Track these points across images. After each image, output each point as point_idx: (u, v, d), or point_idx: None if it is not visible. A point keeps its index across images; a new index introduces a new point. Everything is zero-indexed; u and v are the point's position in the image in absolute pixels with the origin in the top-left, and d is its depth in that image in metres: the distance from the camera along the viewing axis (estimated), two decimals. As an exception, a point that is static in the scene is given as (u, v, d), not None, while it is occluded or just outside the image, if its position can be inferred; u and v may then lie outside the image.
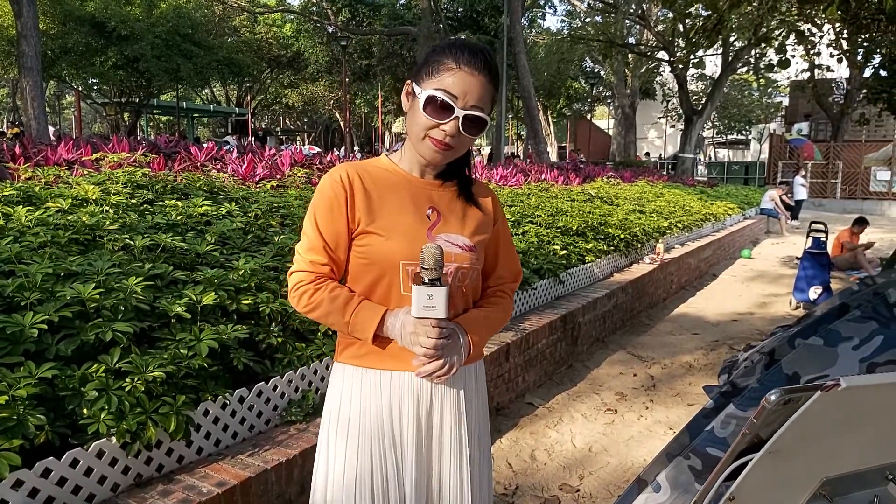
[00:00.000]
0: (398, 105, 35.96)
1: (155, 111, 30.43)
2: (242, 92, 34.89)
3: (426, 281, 1.35)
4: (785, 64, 6.26)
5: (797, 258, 10.60)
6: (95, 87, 24.00)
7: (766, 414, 0.79)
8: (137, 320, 2.50)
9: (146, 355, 2.35)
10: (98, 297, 2.40)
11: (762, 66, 25.35)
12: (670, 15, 20.79)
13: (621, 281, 6.22)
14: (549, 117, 35.40)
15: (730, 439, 1.84)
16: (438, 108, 1.39)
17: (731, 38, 18.74)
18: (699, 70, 22.45)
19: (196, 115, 32.18)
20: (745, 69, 26.92)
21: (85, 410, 2.09)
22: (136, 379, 2.20)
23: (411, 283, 1.39)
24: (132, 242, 3.09)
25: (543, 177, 10.96)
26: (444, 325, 1.38)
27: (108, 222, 3.29)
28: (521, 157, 29.86)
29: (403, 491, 1.47)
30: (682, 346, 5.76)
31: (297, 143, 37.33)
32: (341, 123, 35.34)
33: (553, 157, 28.32)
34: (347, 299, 1.44)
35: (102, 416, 2.08)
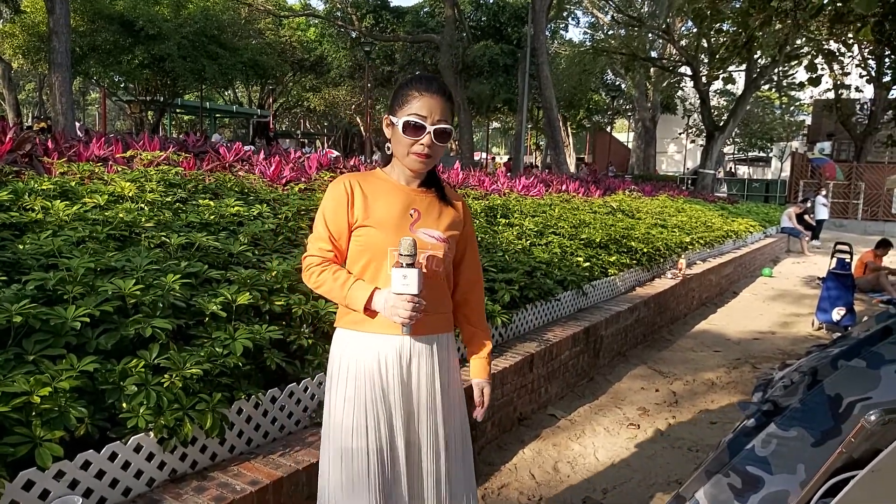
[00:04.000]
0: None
1: (178, 110, 30.71)
2: (265, 94, 35.16)
3: (403, 265, 1.68)
4: (816, 82, 6.22)
5: (819, 278, 10.51)
6: (121, 85, 24.24)
7: (865, 434, 0.79)
8: (174, 317, 2.53)
9: (183, 352, 2.38)
10: (138, 293, 2.43)
11: (785, 84, 25.23)
12: (694, 30, 20.76)
13: (643, 295, 6.20)
14: (569, 128, 35.38)
15: (770, 458, 1.83)
16: (414, 128, 1.78)
17: (756, 56, 18.67)
18: (725, 85, 22.28)
19: (218, 115, 32.44)
20: (767, 86, 26.78)
21: (124, 404, 2.12)
22: (174, 375, 2.23)
23: (392, 267, 1.73)
24: (168, 240, 3.13)
25: (564, 188, 10.96)
26: (416, 300, 1.70)
27: (143, 219, 3.33)
28: (539, 168, 29.85)
29: (392, 422, 1.83)
30: (704, 362, 5.72)
31: (318, 146, 37.56)
32: (361, 128, 35.51)
33: (571, 168, 28.26)
34: (346, 279, 1.81)
35: (141, 411, 2.11)
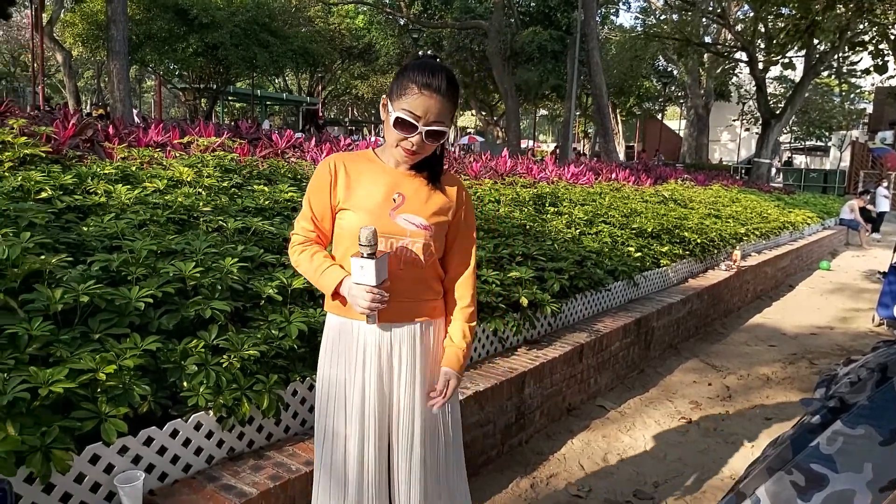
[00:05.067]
0: (465, 98, 35.91)
1: (230, 98, 31.24)
2: (314, 82, 35.49)
3: (364, 255, 1.64)
4: (882, 69, 5.96)
5: (879, 272, 10.14)
6: (176, 73, 24.79)
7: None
8: (232, 300, 2.58)
9: (241, 334, 2.42)
10: (198, 275, 2.49)
11: (845, 71, 24.29)
12: (751, 14, 20.13)
13: (696, 287, 6.07)
14: (619, 116, 34.80)
15: (836, 457, 1.78)
16: (404, 126, 1.70)
17: (816, 41, 18.01)
18: (784, 71, 21.47)
19: (269, 102, 32.90)
20: (827, 73, 25.84)
21: (185, 383, 2.17)
22: (232, 356, 2.28)
23: (351, 257, 1.68)
24: (225, 224, 3.19)
25: (614, 176, 10.79)
26: (375, 290, 1.66)
27: (201, 204, 3.40)
28: (587, 156, 29.47)
29: (365, 409, 1.79)
30: (759, 357, 5.58)
31: (365, 133, 37.77)
32: (408, 115, 35.48)
33: (620, 156, 27.82)
34: (320, 263, 1.79)
35: (201, 390, 2.16)
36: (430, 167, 1.85)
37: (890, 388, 1.79)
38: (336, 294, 1.77)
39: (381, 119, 1.82)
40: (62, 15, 21.70)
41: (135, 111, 17.86)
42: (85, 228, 2.87)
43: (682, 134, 35.89)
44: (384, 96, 1.79)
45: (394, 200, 1.78)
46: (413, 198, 1.80)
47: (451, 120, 1.77)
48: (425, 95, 1.67)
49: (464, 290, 1.93)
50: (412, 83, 1.68)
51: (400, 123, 1.69)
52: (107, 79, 18.34)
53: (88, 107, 27.72)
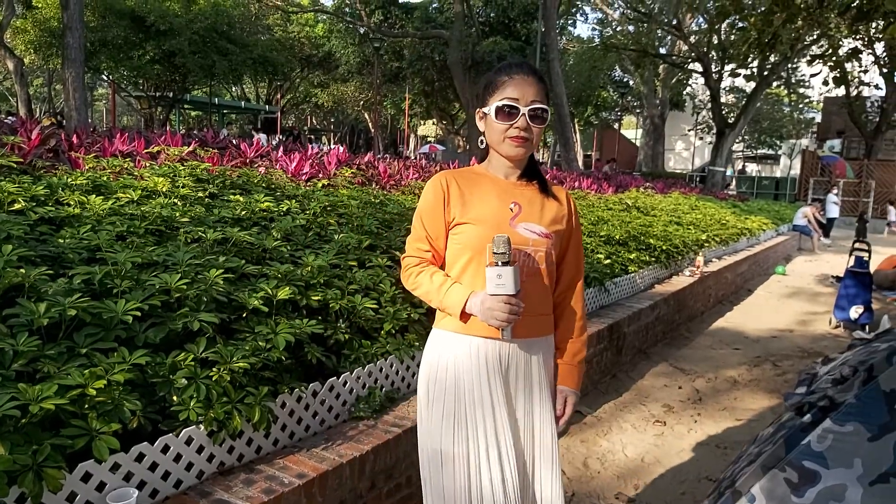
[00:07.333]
0: (426, 108, 35.94)
1: (186, 106, 30.75)
2: (272, 90, 35.18)
3: (498, 264, 1.59)
4: (841, 81, 6.18)
5: (833, 277, 10.51)
6: (132, 81, 24.31)
7: None
8: (217, 311, 2.54)
9: (229, 346, 2.39)
10: (184, 287, 2.45)
11: (794, 82, 25.12)
12: (704, 26, 20.68)
13: (663, 292, 6.20)
14: (576, 126, 35.31)
15: (827, 453, 1.85)
16: (507, 113, 1.72)
17: (767, 53, 18.56)
18: (748, 82, 21.97)
19: (226, 111, 32.51)
20: (777, 83, 26.68)
21: (175, 398, 2.13)
22: (221, 369, 2.25)
23: (486, 267, 1.64)
24: (204, 235, 3.14)
25: (578, 185, 10.95)
26: (513, 301, 1.61)
27: (178, 214, 3.35)
28: (547, 165, 29.82)
29: (488, 428, 1.73)
30: (725, 360, 5.72)
31: (324, 142, 37.57)
32: (369, 124, 35.52)
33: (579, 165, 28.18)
34: (442, 281, 1.75)
35: (192, 404, 2.12)
36: (539, 176, 1.86)
37: (876, 386, 1.87)
38: (463, 312, 1.70)
39: (480, 131, 1.82)
40: (13, 21, 21.06)
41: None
42: (61, 240, 2.79)
43: (638, 143, 36.60)
44: (478, 110, 1.82)
45: (511, 210, 1.76)
46: (528, 207, 1.78)
47: (548, 103, 1.77)
48: (517, 79, 1.72)
49: (577, 301, 1.91)
50: (500, 76, 1.75)
51: (502, 112, 1.72)
52: (58, 86, 17.84)
53: (40, 115, 26.93)
